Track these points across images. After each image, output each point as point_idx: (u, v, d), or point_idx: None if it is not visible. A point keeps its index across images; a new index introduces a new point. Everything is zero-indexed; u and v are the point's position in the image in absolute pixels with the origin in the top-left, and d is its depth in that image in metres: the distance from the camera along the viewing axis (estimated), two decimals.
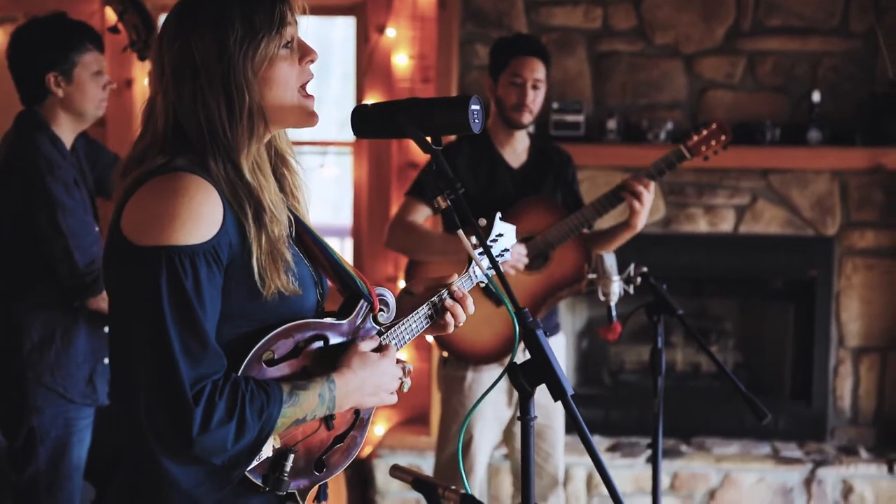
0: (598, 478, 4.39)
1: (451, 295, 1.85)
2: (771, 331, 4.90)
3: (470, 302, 1.87)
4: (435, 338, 3.34)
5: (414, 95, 4.56)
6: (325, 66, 7.39)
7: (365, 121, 1.74)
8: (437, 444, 3.50)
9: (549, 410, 3.35)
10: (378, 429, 4.75)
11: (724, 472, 4.41)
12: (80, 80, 2.93)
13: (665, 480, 4.41)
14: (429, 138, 1.69)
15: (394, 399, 1.77)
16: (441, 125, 1.70)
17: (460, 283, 1.90)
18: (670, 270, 4.56)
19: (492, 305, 3.19)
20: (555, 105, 4.51)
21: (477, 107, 1.69)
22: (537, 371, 1.62)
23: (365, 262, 4.83)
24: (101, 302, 2.90)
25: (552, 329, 3.45)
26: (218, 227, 1.56)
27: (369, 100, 4.73)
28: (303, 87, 1.68)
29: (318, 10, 5.02)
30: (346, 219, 5.06)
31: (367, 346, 1.73)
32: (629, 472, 4.40)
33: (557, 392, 1.60)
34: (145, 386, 1.52)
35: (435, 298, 1.84)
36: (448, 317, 1.85)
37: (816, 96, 4.45)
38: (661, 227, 4.67)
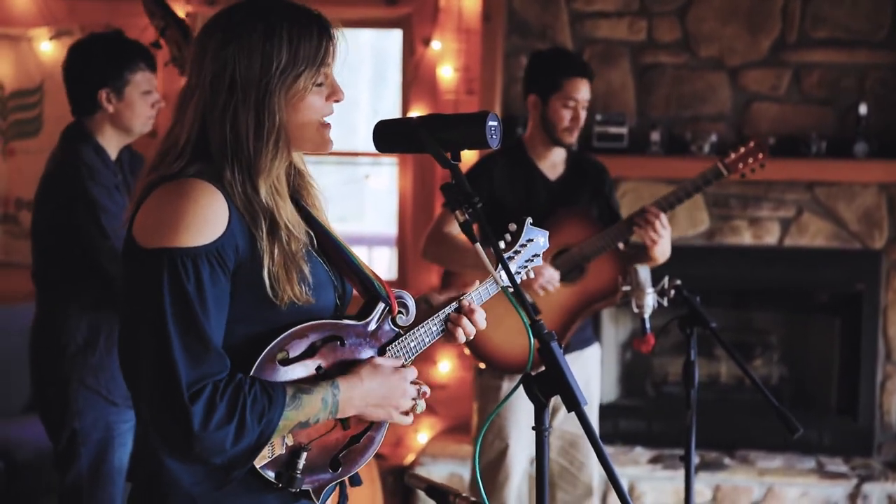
0: (639, 489, 4.39)
1: (460, 308, 1.86)
2: (817, 345, 4.86)
3: (479, 316, 1.87)
4: (470, 349, 3.38)
5: (459, 107, 4.67)
6: (380, 77, 7.45)
7: (386, 135, 1.78)
8: (472, 453, 3.53)
9: None
10: (421, 437, 4.79)
11: (767, 486, 4.38)
12: (131, 97, 3.02)
13: (707, 493, 4.39)
14: (448, 154, 1.73)
15: (405, 420, 1.77)
16: (459, 141, 1.73)
17: (478, 294, 1.91)
18: (714, 283, 4.55)
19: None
20: (598, 117, 4.53)
21: (494, 123, 1.72)
22: (552, 382, 1.65)
23: (409, 272, 4.88)
24: None
25: (587, 340, 3.46)
26: (222, 231, 1.60)
27: (414, 112, 4.78)
28: (322, 121, 1.72)
29: (365, 23, 5.09)
30: (393, 229, 5.12)
31: (385, 361, 1.75)
32: (671, 485, 4.39)
33: (571, 403, 1.63)
34: (147, 385, 1.56)
35: (441, 313, 1.85)
36: (458, 330, 1.85)
37: (863, 109, 4.42)
38: (706, 239, 4.66)
